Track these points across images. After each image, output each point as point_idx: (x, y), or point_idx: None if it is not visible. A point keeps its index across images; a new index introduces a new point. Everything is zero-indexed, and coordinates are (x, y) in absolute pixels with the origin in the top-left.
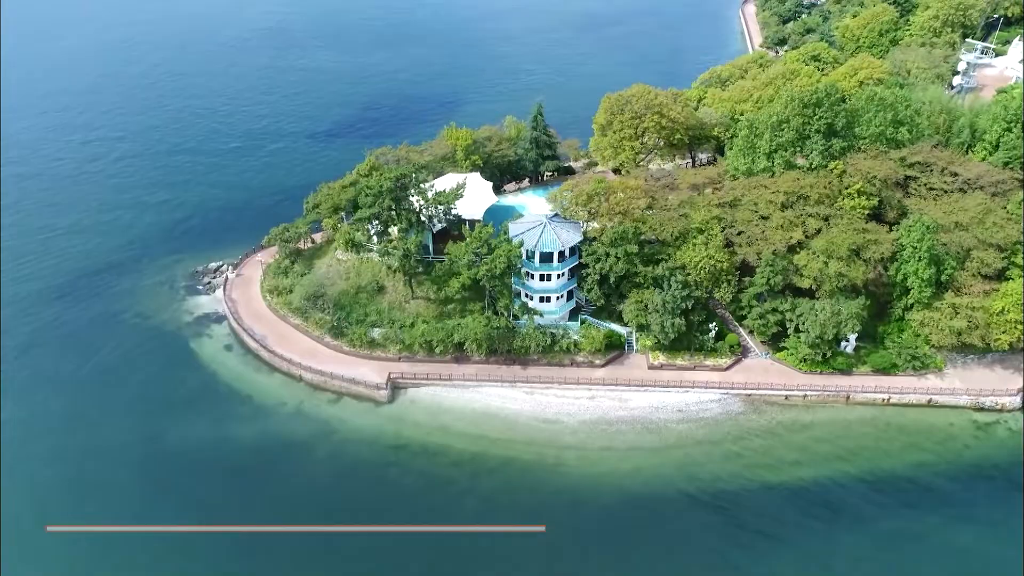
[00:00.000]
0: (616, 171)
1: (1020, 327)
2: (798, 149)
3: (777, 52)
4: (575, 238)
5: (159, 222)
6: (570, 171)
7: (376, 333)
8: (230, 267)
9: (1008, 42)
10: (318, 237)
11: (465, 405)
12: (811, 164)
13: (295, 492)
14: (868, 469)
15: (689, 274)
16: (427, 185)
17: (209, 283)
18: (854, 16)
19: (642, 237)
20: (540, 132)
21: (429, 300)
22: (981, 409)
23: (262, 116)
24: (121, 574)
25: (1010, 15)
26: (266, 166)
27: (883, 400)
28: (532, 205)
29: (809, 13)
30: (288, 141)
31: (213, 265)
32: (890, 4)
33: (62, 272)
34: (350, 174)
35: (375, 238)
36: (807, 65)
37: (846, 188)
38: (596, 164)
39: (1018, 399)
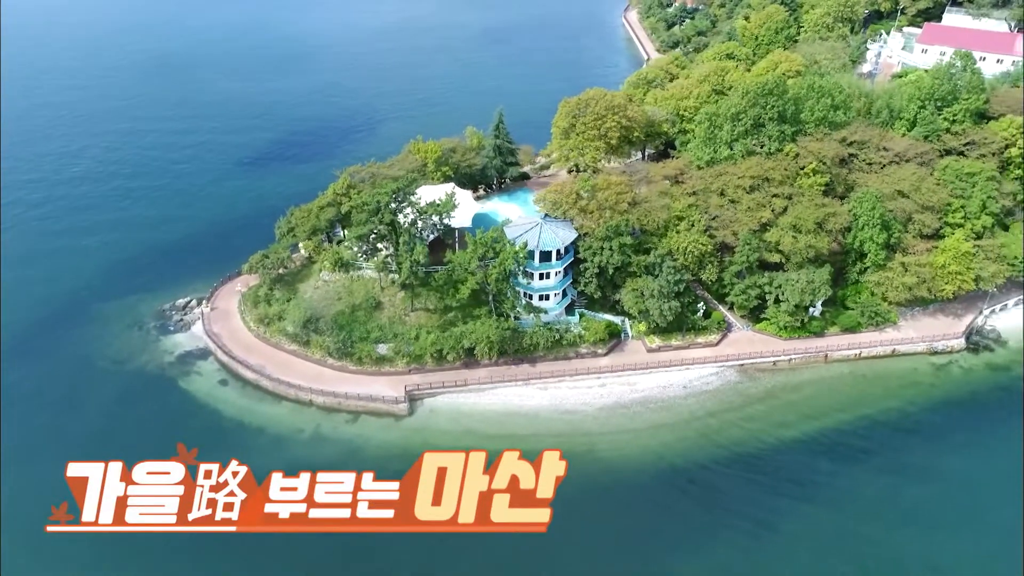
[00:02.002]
0: (575, 170)
1: (960, 278)
2: (755, 137)
3: (687, 55)
4: (571, 235)
5: (103, 263)
6: (526, 176)
7: (383, 348)
8: (203, 302)
9: (882, 33)
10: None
11: (485, 408)
12: (769, 150)
13: None
14: (856, 416)
15: (677, 259)
16: (415, 198)
17: (182, 320)
18: (746, 19)
19: (627, 228)
20: (503, 140)
21: (429, 310)
22: (935, 353)
23: (184, 147)
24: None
25: (883, 10)
26: (202, 198)
27: (855, 355)
28: (502, 210)
29: (693, 17)
30: (218, 172)
31: (181, 302)
32: (779, 4)
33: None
34: (323, 194)
35: (364, 255)
36: (724, 62)
37: (802, 169)
38: (548, 167)
39: (963, 340)
